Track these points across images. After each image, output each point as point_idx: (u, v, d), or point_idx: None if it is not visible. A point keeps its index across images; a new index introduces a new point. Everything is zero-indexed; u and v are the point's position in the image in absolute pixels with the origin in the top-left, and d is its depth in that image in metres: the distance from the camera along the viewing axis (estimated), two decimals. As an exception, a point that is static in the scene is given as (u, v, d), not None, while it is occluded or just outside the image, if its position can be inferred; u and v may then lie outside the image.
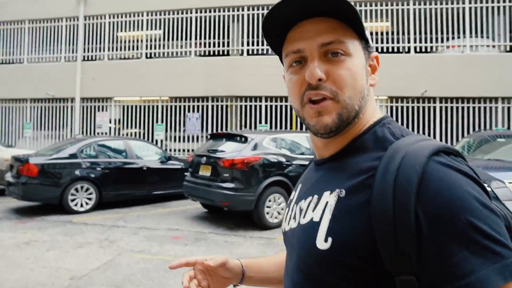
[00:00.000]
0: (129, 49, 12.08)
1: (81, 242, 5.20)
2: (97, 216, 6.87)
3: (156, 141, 11.35)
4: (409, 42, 10.57)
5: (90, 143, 7.60)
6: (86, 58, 12.28)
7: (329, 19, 0.67)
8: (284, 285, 0.77)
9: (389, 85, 9.42)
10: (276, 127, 10.73)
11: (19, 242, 5.16)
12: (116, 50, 12.12)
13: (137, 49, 11.96)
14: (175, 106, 11.49)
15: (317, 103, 0.67)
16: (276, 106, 10.84)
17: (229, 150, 6.30)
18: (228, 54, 11.38)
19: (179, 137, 11.44)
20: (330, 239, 0.62)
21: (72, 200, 7.00)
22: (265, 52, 11.07)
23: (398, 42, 10.81)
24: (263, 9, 10.93)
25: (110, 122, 11.82)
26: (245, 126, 11.39)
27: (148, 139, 11.48)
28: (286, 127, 10.68)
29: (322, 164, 0.75)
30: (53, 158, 7.04)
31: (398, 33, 10.85)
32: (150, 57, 11.92)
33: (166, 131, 11.48)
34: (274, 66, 10.68)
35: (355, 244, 0.59)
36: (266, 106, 10.96)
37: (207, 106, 11.32)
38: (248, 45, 11.20)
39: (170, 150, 11.41)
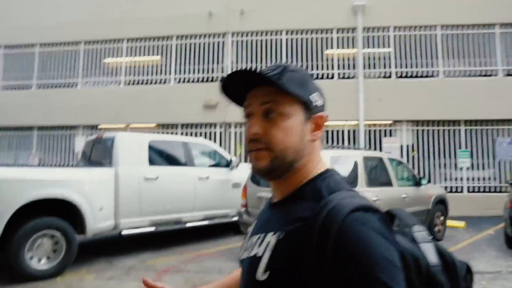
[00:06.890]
0: (422, 66, 10.83)
1: None
2: None
3: (461, 168, 10.37)
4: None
5: None
6: (366, 76, 10.88)
7: (270, 87, 0.82)
8: None
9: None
10: None
11: None
12: (401, 67, 10.84)
13: (432, 66, 10.78)
14: (481, 130, 10.54)
15: (255, 151, 0.83)
16: None
17: None
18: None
19: (483, 164, 10.52)
20: (268, 272, 0.75)
21: None
22: None
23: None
24: None
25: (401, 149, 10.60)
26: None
27: (450, 167, 10.48)
28: None
29: (273, 206, 0.89)
30: None
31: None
32: (448, 75, 10.80)
33: (472, 157, 10.50)
34: None
35: (287, 277, 0.72)
36: None
37: (519, 130, 10.52)
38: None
39: (473, 179, 10.48)
